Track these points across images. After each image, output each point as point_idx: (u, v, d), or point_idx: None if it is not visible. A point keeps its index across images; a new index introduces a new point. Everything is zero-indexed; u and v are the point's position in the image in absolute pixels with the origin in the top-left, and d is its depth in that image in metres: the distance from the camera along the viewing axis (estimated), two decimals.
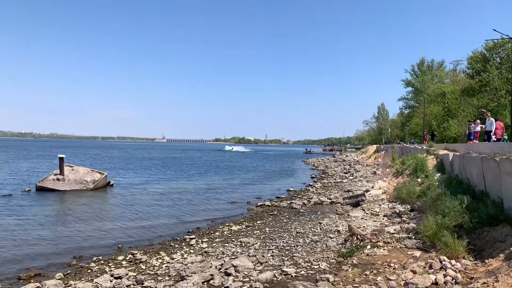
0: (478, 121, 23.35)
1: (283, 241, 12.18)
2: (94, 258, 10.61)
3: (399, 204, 16.42)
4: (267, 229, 14.20)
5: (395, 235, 11.20)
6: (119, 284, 8.31)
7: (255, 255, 10.40)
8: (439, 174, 17.60)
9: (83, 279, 8.88)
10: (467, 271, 7.18)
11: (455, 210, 9.70)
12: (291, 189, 27.78)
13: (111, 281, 8.43)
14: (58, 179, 24.88)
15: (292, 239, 12.43)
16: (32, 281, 8.69)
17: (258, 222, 15.80)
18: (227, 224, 15.56)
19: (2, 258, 10.67)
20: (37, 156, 66.38)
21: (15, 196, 21.54)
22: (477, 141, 21.73)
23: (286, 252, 10.87)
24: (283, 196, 24.24)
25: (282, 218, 16.56)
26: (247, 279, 8.47)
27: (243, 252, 10.88)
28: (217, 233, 13.83)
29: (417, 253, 8.87)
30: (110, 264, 10.13)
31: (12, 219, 15.71)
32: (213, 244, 12.12)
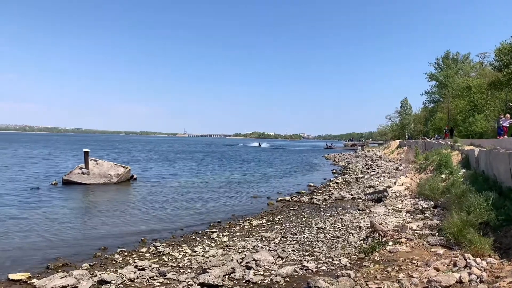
0: (508, 115, 22.63)
1: (303, 236, 12.17)
2: (118, 250, 10.87)
3: (422, 201, 16.16)
4: (288, 224, 14.22)
5: (418, 231, 11.05)
6: (142, 276, 8.49)
7: (276, 250, 10.44)
8: (464, 170, 17.21)
9: (108, 270, 9.12)
10: (493, 270, 7.03)
11: (481, 207, 9.49)
12: (312, 184, 27.67)
13: (134, 272, 8.62)
14: (83, 173, 25.52)
15: (312, 235, 12.41)
16: (60, 270, 8.98)
17: (279, 217, 15.83)
18: (247, 218, 15.66)
19: (31, 249, 11.05)
20: (68, 149, 68.15)
21: (42, 189, 22.22)
22: (506, 136, 21.11)
23: (307, 247, 10.87)
24: (304, 191, 24.17)
25: (303, 213, 16.54)
26: (268, 273, 8.53)
27: (263, 247, 10.94)
28: (238, 227, 13.93)
29: (441, 251, 8.73)
30: (133, 256, 10.35)
31: (40, 211, 16.21)
32: (234, 238, 12.23)
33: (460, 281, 6.67)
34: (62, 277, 8.08)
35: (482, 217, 9.17)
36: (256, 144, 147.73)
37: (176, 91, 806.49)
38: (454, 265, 7.46)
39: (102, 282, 8.08)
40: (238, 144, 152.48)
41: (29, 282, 8.32)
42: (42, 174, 29.53)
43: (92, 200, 19.98)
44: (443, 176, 18.10)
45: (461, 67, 66.18)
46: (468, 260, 7.41)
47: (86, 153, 26.12)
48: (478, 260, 7.42)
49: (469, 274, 6.87)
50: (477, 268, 7.06)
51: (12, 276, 8.58)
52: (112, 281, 8.09)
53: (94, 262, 9.78)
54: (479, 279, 6.69)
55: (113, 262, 9.87)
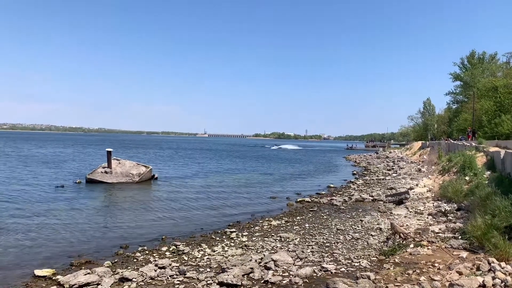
0: None
1: (323, 238, 12.11)
2: (140, 248, 11.06)
3: (445, 203, 15.85)
4: (307, 225, 14.17)
5: (440, 234, 10.85)
6: (163, 274, 8.63)
7: (295, 251, 10.43)
8: (489, 173, 16.79)
9: (129, 267, 9.29)
10: None
11: (506, 210, 9.23)
12: (332, 185, 27.45)
13: (155, 271, 8.76)
14: (106, 172, 26.04)
15: (332, 236, 12.34)
16: (83, 267, 9.20)
17: (298, 217, 15.79)
18: (266, 218, 15.68)
19: (56, 246, 11.35)
20: (94, 148, 69.70)
21: (67, 188, 22.81)
22: None
23: (326, 249, 10.81)
24: (323, 192, 24.01)
25: (322, 214, 16.45)
26: (287, 274, 8.53)
27: (282, 247, 10.94)
28: (257, 227, 13.97)
29: (464, 254, 8.55)
30: (154, 254, 10.51)
31: (65, 209, 16.64)
32: (253, 238, 12.27)
33: (483, 285, 6.52)
34: (85, 274, 8.29)
35: (507, 220, 8.93)
36: (274, 147, 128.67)
37: (197, 92, 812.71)
38: (478, 269, 7.29)
39: (124, 279, 8.24)
40: (259, 145, 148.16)
41: (53, 278, 8.57)
42: (67, 172, 30.34)
43: (114, 199, 20.39)
44: (467, 178, 17.70)
45: (487, 67, 64.39)
46: (492, 264, 7.24)
47: (109, 153, 26.66)
48: (502, 264, 7.24)
49: (493, 278, 6.70)
50: (502, 273, 6.89)
51: (37, 272, 8.85)
52: (133, 279, 8.24)
53: (116, 260, 9.98)
54: (503, 283, 6.53)
55: (135, 260, 10.06)
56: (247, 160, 56.73)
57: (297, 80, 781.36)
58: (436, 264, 8.13)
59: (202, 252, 10.60)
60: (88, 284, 7.93)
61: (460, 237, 10.07)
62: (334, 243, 11.38)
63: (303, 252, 10.35)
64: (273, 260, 9.13)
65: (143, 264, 9.53)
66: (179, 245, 11.23)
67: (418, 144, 64.86)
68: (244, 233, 12.94)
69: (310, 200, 20.30)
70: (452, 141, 38.35)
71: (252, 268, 8.63)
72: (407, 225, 12.94)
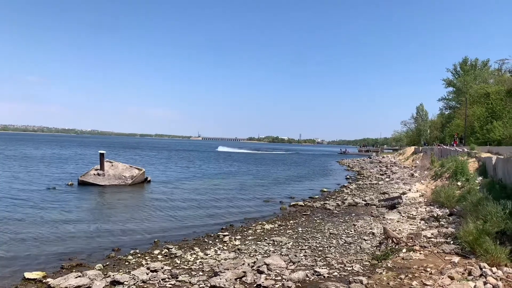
0: None
1: (316, 242, 12.12)
2: (132, 251, 10.97)
3: (437, 208, 15.94)
4: (300, 229, 14.17)
5: (433, 239, 10.89)
6: (155, 277, 8.56)
7: (288, 254, 10.41)
8: (480, 178, 16.93)
9: (121, 271, 9.21)
10: (509, 279, 6.90)
11: (498, 216, 9.30)
12: (325, 189, 27.53)
13: (147, 274, 8.69)
14: (98, 174, 25.87)
15: (325, 240, 12.35)
16: (74, 270, 9.11)
17: (291, 221, 15.79)
18: (260, 222, 15.66)
19: (46, 249, 11.23)
20: (87, 150, 69.28)
21: (59, 190, 22.62)
22: None
23: (319, 253, 10.81)
24: (317, 196, 24.06)
25: (315, 218, 16.47)
26: (279, 278, 8.50)
27: (275, 251, 10.93)
28: (250, 231, 13.94)
29: (456, 259, 8.59)
30: (146, 258, 10.44)
31: (56, 211, 16.49)
32: (246, 242, 12.24)
33: None
34: (76, 277, 8.21)
35: (498, 225, 8.99)
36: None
37: (191, 95, 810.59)
38: (469, 273, 7.34)
39: (115, 282, 8.17)
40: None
41: (44, 281, 8.47)
42: (59, 174, 30.11)
43: (107, 202, 20.25)
44: (459, 183, 17.83)
45: (479, 73, 65.10)
46: (483, 269, 7.29)
47: (101, 155, 26.49)
48: (494, 269, 7.29)
49: (485, 283, 6.75)
50: (493, 277, 6.94)
51: (28, 275, 8.75)
52: (125, 282, 8.17)
53: (107, 263, 9.90)
54: None
55: (126, 263, 9.98)
56: (241, 163, 56.69)
57: (292, 84, 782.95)
58: (428, 269, 8.16)
59: (194, 256, 10.55)
60: (79, 287, 7.85)
61: (452, 242, 10.12)
62: (327, 247, 11.39)
63: (296, 256, 10.34)
64: (266, 264, 9.11)
65: (135, 267, 9.45)
66: (171, 248, 11.18)
67: (411, 149, 65.20)
68: (237, 237, 12.91)
69: (303, 204, 20.32)
70: (445, 147, 38.64)
71: (244, 272, 8.59)
72: (399, 229, 13.00)
